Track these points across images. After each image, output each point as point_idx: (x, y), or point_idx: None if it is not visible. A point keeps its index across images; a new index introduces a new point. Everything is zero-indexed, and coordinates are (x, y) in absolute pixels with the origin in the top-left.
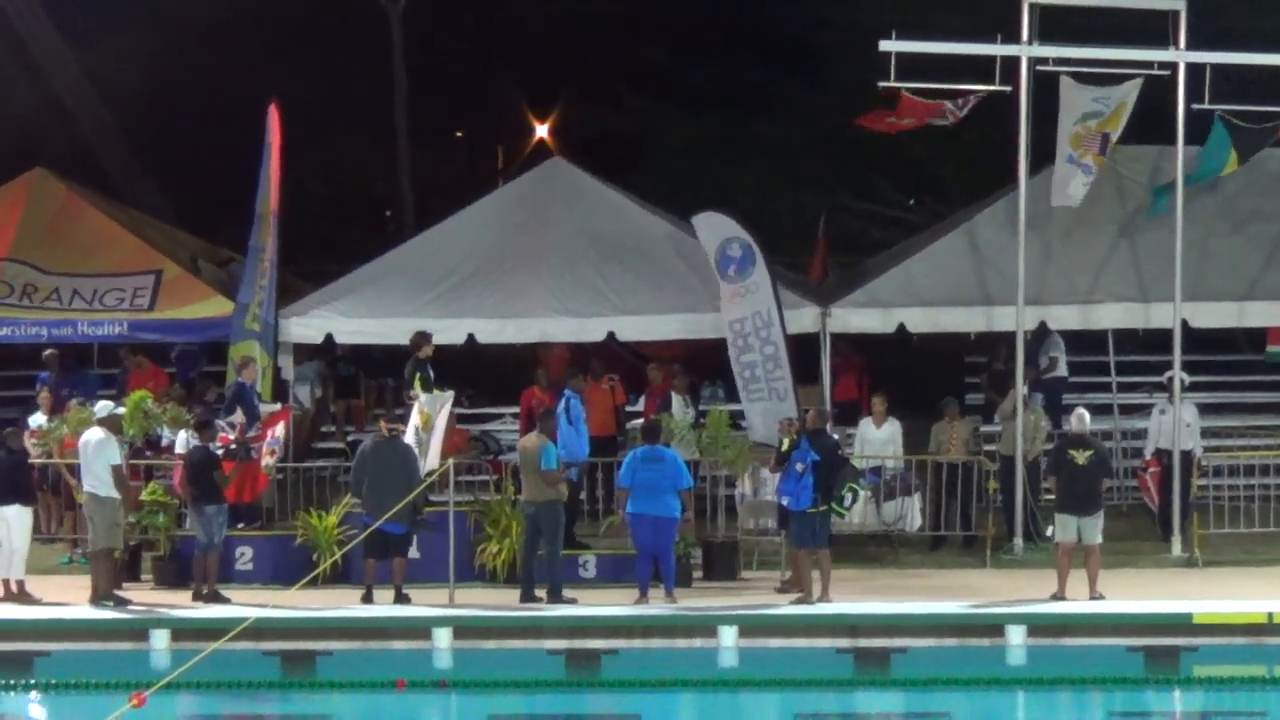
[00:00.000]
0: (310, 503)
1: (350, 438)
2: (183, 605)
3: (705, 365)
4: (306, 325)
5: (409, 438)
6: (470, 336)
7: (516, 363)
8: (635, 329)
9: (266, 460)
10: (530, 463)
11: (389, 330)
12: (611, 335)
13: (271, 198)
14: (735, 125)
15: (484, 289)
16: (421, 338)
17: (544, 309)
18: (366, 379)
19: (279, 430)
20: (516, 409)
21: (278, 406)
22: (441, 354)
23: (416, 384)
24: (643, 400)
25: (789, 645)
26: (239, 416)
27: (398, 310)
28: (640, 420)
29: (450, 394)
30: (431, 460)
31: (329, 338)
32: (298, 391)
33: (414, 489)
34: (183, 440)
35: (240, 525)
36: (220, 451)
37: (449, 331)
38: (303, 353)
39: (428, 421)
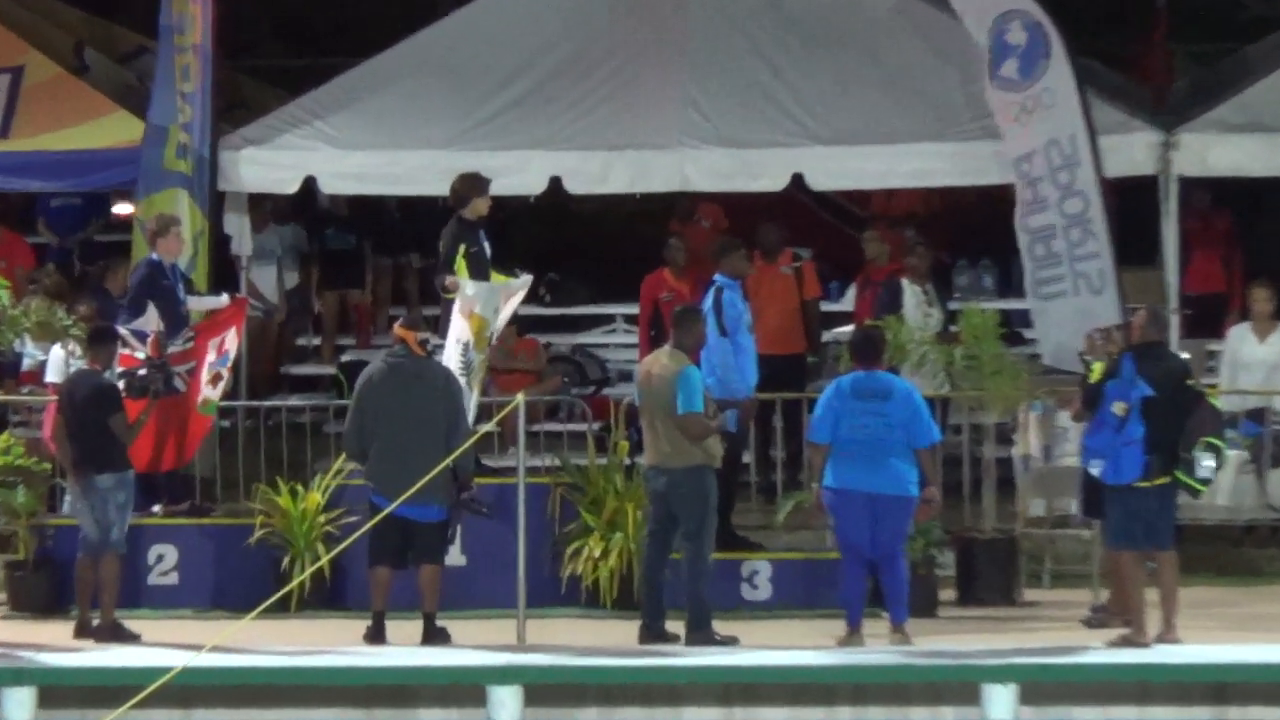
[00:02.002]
0: (277, 470)
1: (346, 357)
2: (58, 646)
3: (962, 234)
4: (270, 163)
5: (448, 358)
6: (554, 183)
7: (632, 230)
8: (840, 170)
9: (205, 395)
10: (659, 401)
11: (411, 171)
12: (798, 180)
13: None
14: None
15: (577, 102)
16: (470, 185)
17: (681, 135)
18: (375, 256)
19: (226, 343)
20: (633, 309)
21: (223, 301)
22: (504, 213)
23: (461, 265)
24: (851, 293)
25: None
26: (152, 319)
27: (426, 137)
28: (848, 328)
29: (523, 281)
30: (483, 396)
31: (309, 184)
32: (257, 277)
33: (456, 446)
34: (58, 362)
35: (157, 508)
36: (122, 381)
37: (516, 174)
38: (265, 211)
39: (481, 330)
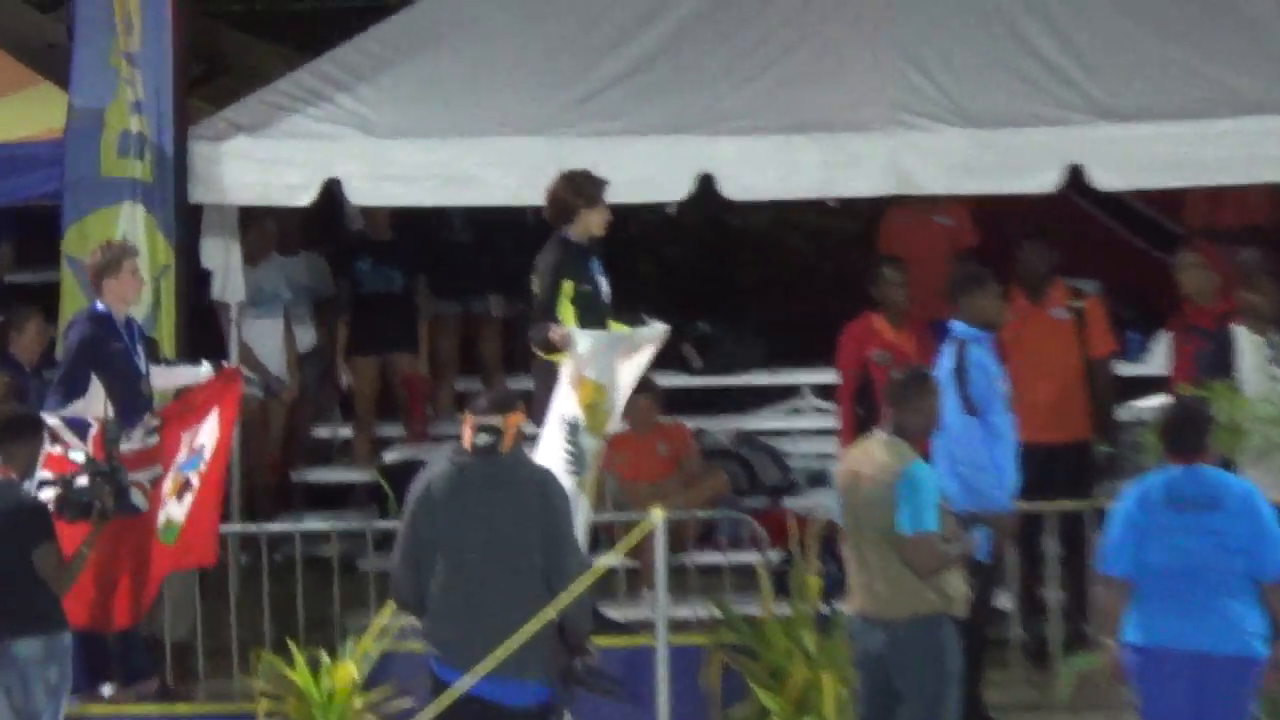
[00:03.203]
0: (289, 629)
1: (391, 456)
2: None
3: None
4: (272, 160)
5: (547, 450)
6: (704, 185)
7: (822, 255)
8: (1140, 159)
9: (166, 514)
10: (870, 517)
11: (485, 170)
12: (1075, 176)
13: None
14: None
15: (735, 63)
16: (578, 191)
17: (896, 111)
18: (434, 301)
19: (202, 434)
20: (829, 376)
21: (202, 373)
22: (628, 232)
23: (566, 310)
24: (1161, 347)
25: None
26: (96, 402)
27: (507, 117)
28: (1156, 401)
29: (655, 331)
30: (602, 509)
31: (331, 192)
32: (253, 335)
33: (561, 588)
34: None
35: (107, 689)
36: (52, 495)
37: (647, 172)
38: (267, 234)
39: (597, 403)
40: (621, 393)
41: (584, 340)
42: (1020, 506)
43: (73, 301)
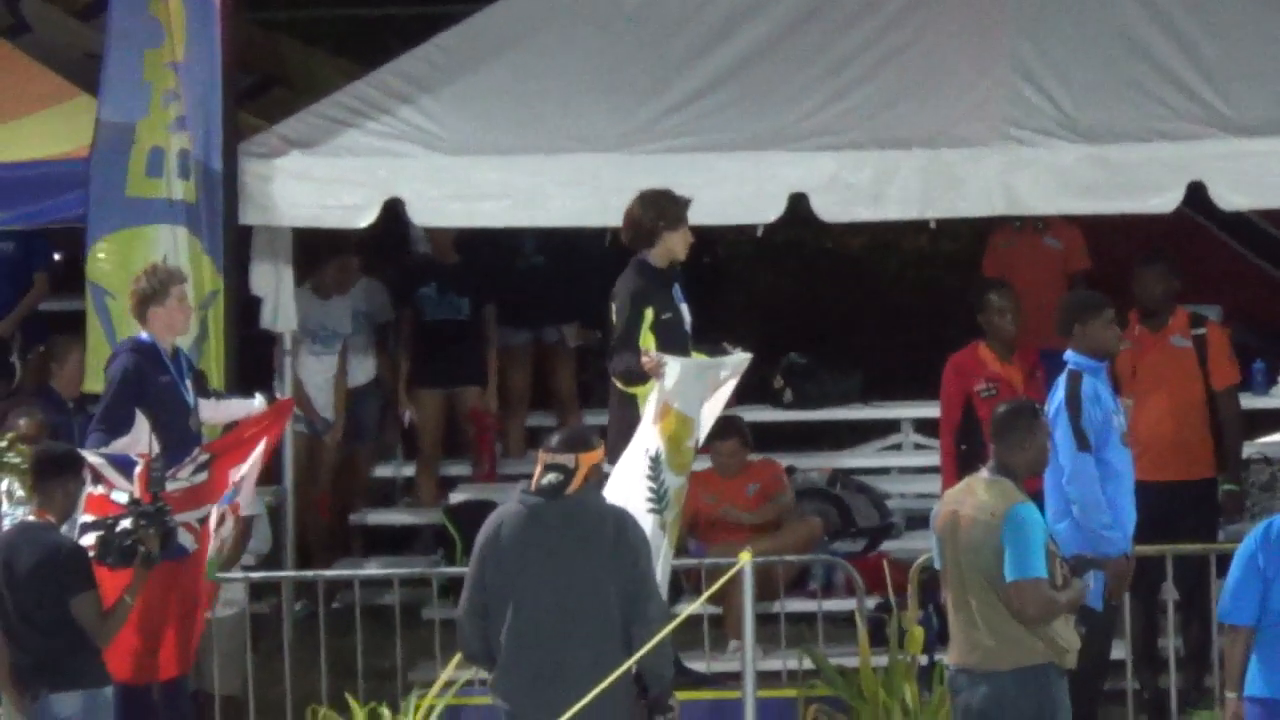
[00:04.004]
0: (347, 683)
1: (457, 497)
2: None
3: None
4: (329, 179)
5: (623, 487)
6: (795, 205)
7: (923, 281)
8: (1267, 177)
9: (214, 550)
10: (973, 562)
11: (560, 189)
12: (1197, 194)
13: None
14: None
15: (830, 74)
16: (659, 211)
17: (1006, 125)
18: (503, 330)
19: (245, 472)
20: (931, 410)
21: (255, 406)
22: (713, 256)
23: (647, 338)
24: None
25: None
26: (141, 439)
27: (583, 133)
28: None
29: (739, 360)
30: (683, 553)
31: (392, 213)
32: (305, 370)
33: (642, 638)
34: None
35: None
36: (93, 540)
37: (735, 191)
38: (346, 266)
39: (681, 437)
40: (704, 428)
41: (674, 369)
42: (1137, 550)
43: (96, 330)
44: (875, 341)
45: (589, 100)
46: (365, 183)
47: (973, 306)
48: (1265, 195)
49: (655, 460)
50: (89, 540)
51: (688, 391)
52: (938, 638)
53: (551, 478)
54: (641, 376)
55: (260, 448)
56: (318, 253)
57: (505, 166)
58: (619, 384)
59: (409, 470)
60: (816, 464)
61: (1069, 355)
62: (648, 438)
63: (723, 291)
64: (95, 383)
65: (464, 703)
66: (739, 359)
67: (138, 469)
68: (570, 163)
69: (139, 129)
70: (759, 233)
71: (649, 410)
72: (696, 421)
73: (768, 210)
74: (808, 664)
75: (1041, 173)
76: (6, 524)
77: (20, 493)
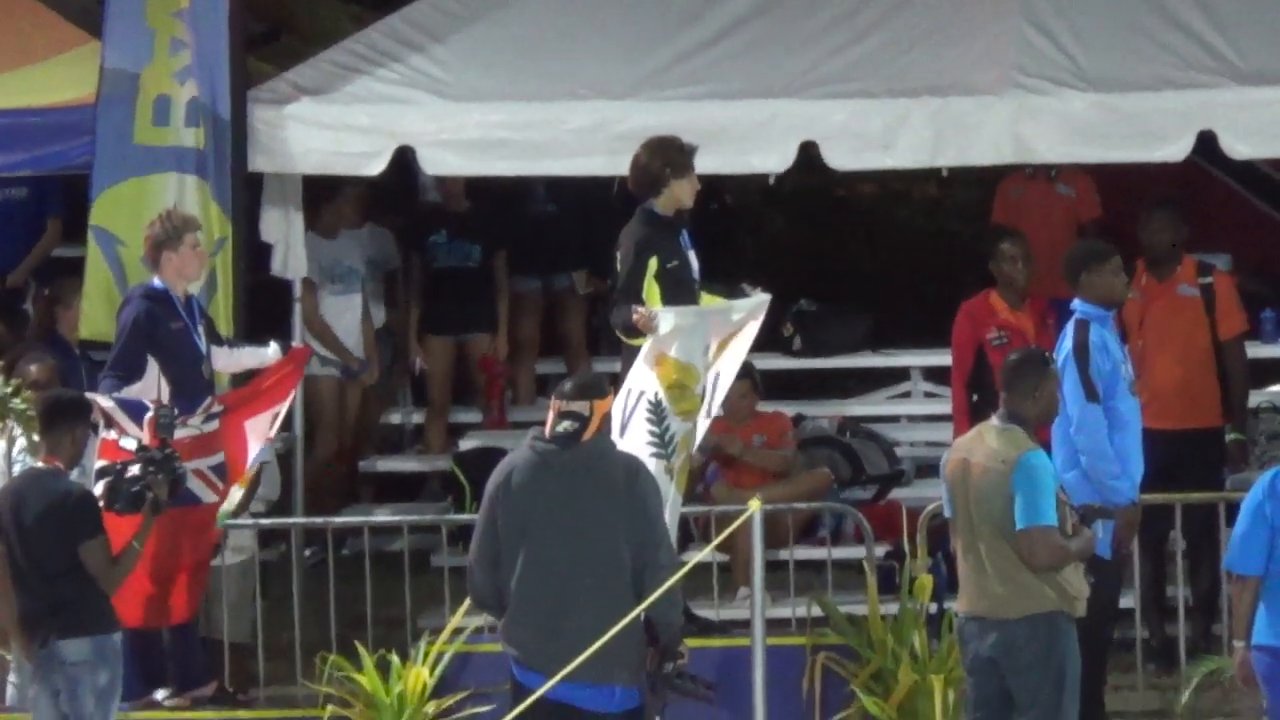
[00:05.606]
0: (357, 630)
1: (467, 443)
2: None
3: None
4: (339, 125)
5: (630, 436)
6: (805, 153)
7: (934, 230)
8: (1277, 128)
9: (227, 501)
10: (983, 510)
11: (570, 137)
12: (1207, 143)
13: None
14: None
15: (840, 21)
16: (665, 159)
17: (1017, 75)
18: (513, 278)
19: (264, 423)
20: (942, 358)
21: (270, 354)
22: (722, 204)
23: (652, 288)
24: None
25: None
26: (151, 385)
27: (593, 80)
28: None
29: (756, 301)
30: (693, 500)
31: (402, 160)
32: (330, 313)
33: (650, 585)
34: None
35: (162, 694)
36: (102, 486)
37: (743, 140)
38: (348, 200)
39: (684, 383)
40: (725, 373)
41: (666, 318)
42: (1145, 498)
43: (97, 276)
44: (885, 289)
45: (600, 48)
46: (375, 130)
47: (984, 255)
48: (1275, 144)
49: (657, 405)
50: (96, 486)
51: (687, 339)
52: (947, 585)
53: (566, 425)
54: (639, 329)
55: (285, 404)
56: (317, 198)
57: (515, 114)
58: (621, 335)
59: (418, 417)
60: (826, 411)
61: (1076, 304)
62: (644, 381)
63: (732, 238)
64: (91, 329)
65: (473, 649)
66: (756, 301)
67: (148, 416)
68: (579, 110)
69: (143, 77)
70: (770, 181)
71: (641, 356)
72: (699, 367)
73: (778, 159)
74: (816, 611)
75: (1051, 121)
76: (18, 468)
77: (24, 439)
